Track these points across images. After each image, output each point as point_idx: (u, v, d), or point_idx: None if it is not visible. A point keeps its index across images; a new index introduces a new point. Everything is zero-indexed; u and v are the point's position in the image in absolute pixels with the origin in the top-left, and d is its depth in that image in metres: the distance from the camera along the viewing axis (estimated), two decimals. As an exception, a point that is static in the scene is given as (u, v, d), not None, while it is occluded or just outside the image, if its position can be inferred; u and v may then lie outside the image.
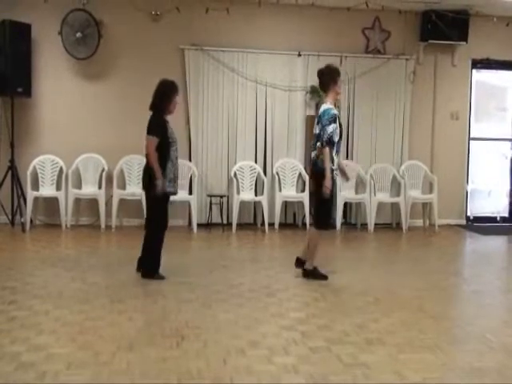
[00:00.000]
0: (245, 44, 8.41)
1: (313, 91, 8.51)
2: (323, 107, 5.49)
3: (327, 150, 5.34)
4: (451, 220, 9.08)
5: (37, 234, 7.55)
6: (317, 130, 5.50)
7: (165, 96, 5.34)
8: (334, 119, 5.39)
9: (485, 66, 9.18)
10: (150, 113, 5.45)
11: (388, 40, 8.77)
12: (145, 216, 5.68)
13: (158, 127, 5.30)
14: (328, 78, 5.50)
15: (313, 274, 5.53)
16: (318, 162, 5.43)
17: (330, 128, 5.35)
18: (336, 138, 5.41)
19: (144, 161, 5.51)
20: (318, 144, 5.43)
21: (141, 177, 7.96)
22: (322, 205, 5.46)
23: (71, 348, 3.68)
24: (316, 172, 5.45)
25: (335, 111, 5.46)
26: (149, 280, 5.36)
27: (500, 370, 3.54)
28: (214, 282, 5.40)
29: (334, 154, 5.42)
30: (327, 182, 5.30)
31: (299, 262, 5.66)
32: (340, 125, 5.51)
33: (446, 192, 8.79)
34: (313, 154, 5.54)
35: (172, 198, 8.02)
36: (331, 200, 5.47)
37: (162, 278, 5.37)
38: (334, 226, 5.43)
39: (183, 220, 8.42)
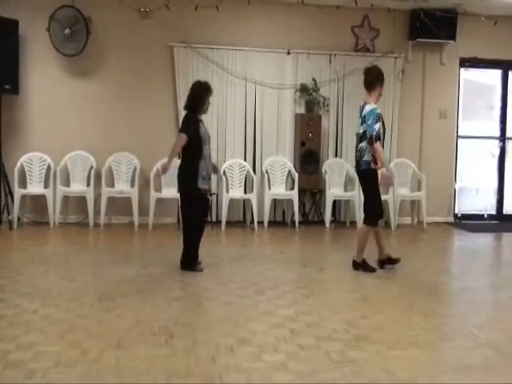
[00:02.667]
0: (234, 42, 8.40)
1: (302, 89, 8.53)
2: (368, 107, 5.61)
3: (378, 144, 5.54)
4: (439, 218, 9.13)
5: (24, 232, 7.50)
6: (360, 130, 5.66)
7: (198, 97, 5.58)
8: (379, 118, 5.58)
9: (473, 64, 9.23)
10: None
11: (377, 38, 8.79)
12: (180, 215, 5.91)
13: (190, 125, 5.51)
14: (375, 78, 5.67)
15: (363, 266, 5.78)
16: (361, 161, 5.63)
17: (377, 126, 5.54)
18: (381, 137, 5.61)
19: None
20: (362, 144, 5.59)
21: (130, 175, 8.11)
22: (373, 201, 5.69)
23: (60, 346, 3.66)
24: (362, 170, 5.67)
25: (379, 111, 5.63)
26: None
27: (488, 365, 3.57)
28: (203, 279, 5.40)
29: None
30: (384, 171, 5.56)
31: (382, 262, 5.90)
32: (383, 124, 5.66)
33: (434, 190, 8.84)
34: (356, 155, 5.72)
35: (163, 195, 8.12)
36: (379, 194, 5.75)
37: (200, 270, 5.61)
38: (382, 216, 5.96)
39: (172, 217, 8.40)
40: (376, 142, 5.52)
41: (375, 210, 5.75)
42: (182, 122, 5.62)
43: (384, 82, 5.76)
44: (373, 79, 5.67)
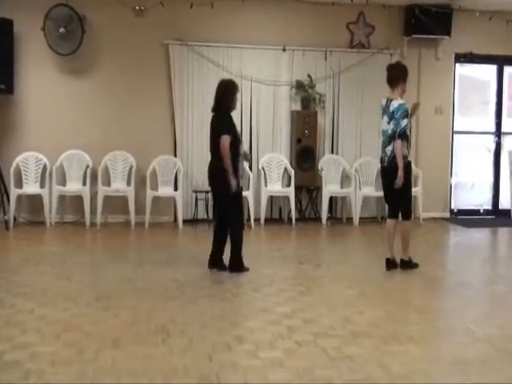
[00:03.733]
0: (230, 39, 8.37)
1: (298, 86, 8.52)
2: (396, 103, 5.53)
3: (400, 142, 5.48)
4: (435, 213, 9.14)
5: (20, 232, 7.48)
6: (391, 126, 5.56)
7: (226, 95, 5.46)
8: (406, 114, 5.53)
9: (468, 59, 9.23)
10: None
11: (372, 34, 8.78)
12: (217, 214, 5.80)
13: (229, 126, 5.41)
14: (398, 74, 5.62)
15: (409, 265, 5.71)
16: (395, 157, 5.55)
17: (404, 122, 5.50)
18: (408, 133, 5.56)
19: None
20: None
21: (126, 173, 8.09)
22: (406, 196, 5.66)
23: (56, 346, 3.66)
24: (395, 167, 5.55)
25: (407, 106, 5.57)
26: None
27: (484, 361, 3.57)
28: (199, 277, 5.39)
29: (407, 147, 5.61)
30: (400, 173, 5.49)
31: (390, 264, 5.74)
32: (410, 120, 5.62)
33: (430, 185, 8.84)
34: (388, 152, 5.62)
35: (159, 193, 8.13)
36: (410, 190, 5.72)
37: (247, 269, 5.56)
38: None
39: (169, 216, 8.39)
40: (399, 139, 5.47)
41: (409, 206, 5.77)
42: (219, 124, 5.42)
43: (407, 78, 5.65)
44: (395, 75, 5.60)
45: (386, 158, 5.65)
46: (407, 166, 5.60)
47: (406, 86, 5.68)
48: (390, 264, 5.71)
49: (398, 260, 5.75)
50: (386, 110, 5.64)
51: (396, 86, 5.60)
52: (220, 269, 5.55)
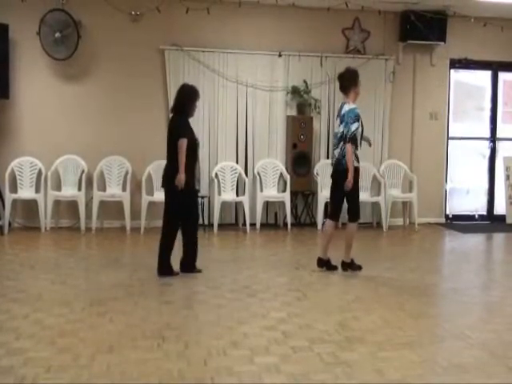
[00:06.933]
0: (225, 44, 8.40)
1: (294, 91, 8.54)
2: (347, 107, 5.68)
3: (349, 146, 5.57)
4: (431, 218, 9.16)
5: (15, 237, 7.45)
6: (340, 129, 5.69)
7: (188, 100, 5.53)
8: (357, 118, 5.63)
9: (463, 65, 9.27)
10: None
11: (368, 40, 8.82)
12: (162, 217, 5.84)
13: (186, 129, 5.48)
14: (349, 81, 5.73)
15: (351, 266, 5.84)
16: (343, 160, 5.64)
17: (354, 126, 5.60)
18: (358, 137, 5.65)
19: (162, 163, 5.81)
20: (343, 143, 5.63)
21: (122, 178, 8.08)
22: (354, 199, 5.74)
23: (50, 351, 3.64)
24: (341, 170, 5.65)
25: (358, 111, 5.67)
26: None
27: (479, 366, 3.58)
28: (194, 282, 5.39)
29: (357, 152, 5.70)
30: (350, 177, 5.56)
31: (321, 262, 5.90)
32: (362, 124, 5.70)
33: (425, 191, 8.87)
34: (336, 154, 5.74)
35: (154, 199, 8.12)
36: (358, 194, 5.80)
37: (199, 270, 5.70)
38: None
39: (164, 221, 8.38)
40: (349, 142, 5.58)
41: (359, 208, 5.84)
42: (176, 127, 5.46)
43: (358, 81, 5.75)
44: (345, 84, 5.73)
45: (334, 160, 5.77)
46: (355, 171, 5.65)
47: (359, 88, 5.77)
48: (322, 262, 5.86)
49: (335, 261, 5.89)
50: (339, 113, 5.79)
51: (349, 91, 5.72)
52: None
